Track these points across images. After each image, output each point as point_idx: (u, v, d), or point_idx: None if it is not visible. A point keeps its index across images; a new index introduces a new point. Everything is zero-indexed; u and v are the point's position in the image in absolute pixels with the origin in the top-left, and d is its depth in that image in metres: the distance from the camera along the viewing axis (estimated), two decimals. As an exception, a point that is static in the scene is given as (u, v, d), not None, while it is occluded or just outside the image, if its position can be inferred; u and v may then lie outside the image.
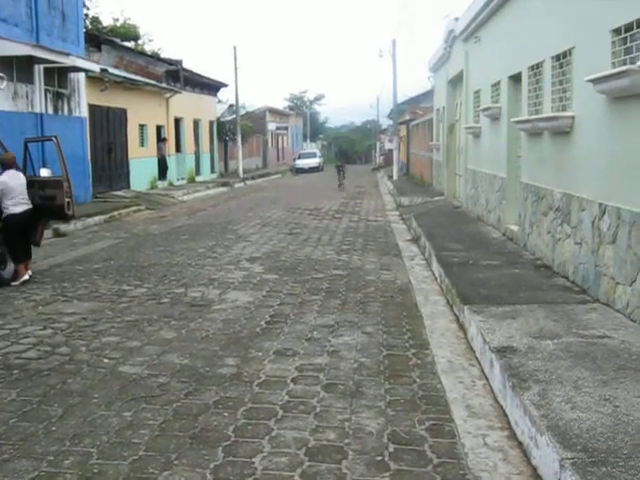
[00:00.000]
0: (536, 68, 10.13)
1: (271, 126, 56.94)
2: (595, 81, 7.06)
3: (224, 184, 33.50)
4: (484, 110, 13.49)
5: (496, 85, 13.06)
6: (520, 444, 4.49)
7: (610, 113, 7.14)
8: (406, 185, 30.42)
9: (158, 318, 7.75)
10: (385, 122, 74.97)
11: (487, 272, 9.20)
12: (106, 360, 6.20)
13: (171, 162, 29.96)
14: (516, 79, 11.51)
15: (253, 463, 4.17)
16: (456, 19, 16.87)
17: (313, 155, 56.94)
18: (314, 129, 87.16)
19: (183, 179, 31.84)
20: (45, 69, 17.53)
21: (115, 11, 63.03)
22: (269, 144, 56.92)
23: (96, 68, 19.72)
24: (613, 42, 6.95)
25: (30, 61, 16.62)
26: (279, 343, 6.75)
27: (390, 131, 41.62)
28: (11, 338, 6.93)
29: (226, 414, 4.94)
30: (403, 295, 9.07)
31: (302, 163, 53.56)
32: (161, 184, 28.66)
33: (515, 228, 11.58)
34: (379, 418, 4.89)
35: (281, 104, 79.11)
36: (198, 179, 33.81)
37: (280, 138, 63.00)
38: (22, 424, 4.76)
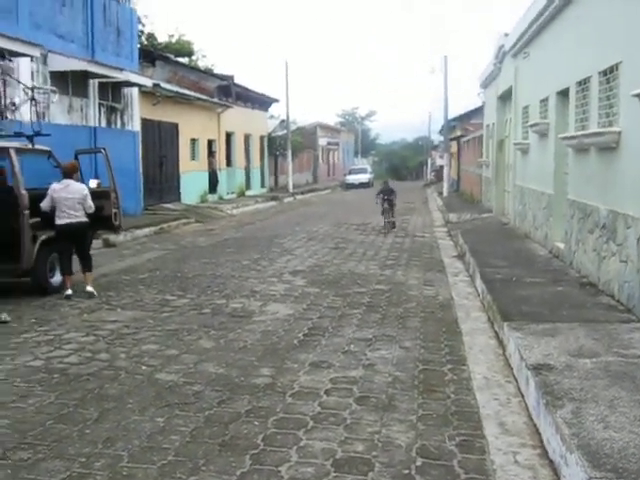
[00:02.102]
0: (583, 83, 9.98)
1: (322, 141, 57.25)
2: (641, 96, 6.93)
3: (273, 198, 33.78)
4: (532, 126, 13.34)
5: (544, 101, 12.91)
6: (551, 462, 4.41)
7: (656, 128, 6.99)
8: (455, 202, 30.17)
9: (198, 328, 7.86)
10: (437, 138, 74.56)
11: (530, 289, 9.06)
12: (144, 367, 6.32)
13: (221, 176, 30.39)
14: (564, 95, 11.36)
15: (279, 472, 4.19)
16: (506, 35, 16.75)
17: (364, 171, 57.01)
18: (365, 145, 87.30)
19: (233, 193, 32.24)
20: (99, 84, 18.05)
21: (170, 28, 64.40)
22: (320, 159, 57.21)
23: (149, 83, 20.20)
24: (660, 56, 6.82)
25: (85, 76, 17.14)
26: (315, 355, 6.77)
27: (441, 147, 41.43)
28: (55, 344, 7.12)
29: (257, 423, 4.98)
30: (444, 311, 9.00)
31: (352, 179, 53.64)
32: (211, 198, 29.07)
33: (561, 245, 11.39)
34: (409, 432, 4.86)
35: (332, 120, 79.63)
36: (248, 193, 34.18)
37: (331, 153, 63.28)
38: (58, 426, 4.90)
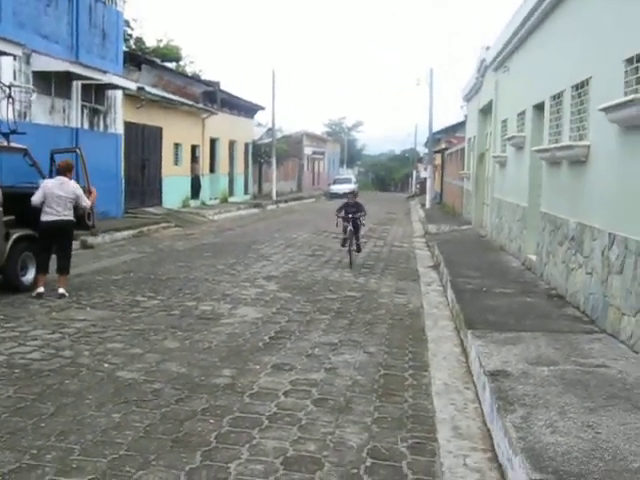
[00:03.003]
0: (557, 98, 10.13)
1: (307, 150, 57.36)
2: (607, 110, 7.06)
3: (256, 205, 33.79)
4: (509, 139, 13.49)
5: (522, 114, 13.06)
6: (500, 466, 4.47)
7: (621, 142, 7.12)
8: (437, 213, 30.34)
9: (165, 328, 7.87)
10: (423, 150, 74.95)
11: (499, 299, 9.16)
12: (106, 365, 6.33)
13: (204, 182, 30.37)
14: (539, 108, 11.51)
15: (228, 468, 4.23)
16: (487, 48, 16.95)
17: (348, 181, 57.10)
18: (351, 155, 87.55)
19: (216, 199, 32.21)
20: (83, 85, 18.02)
21: (159, 32, 64.35)
22: (305, 168, 57.29)
23: (132, 86, 20.20)
24: (626, 71, 6.95)
25: (68, 77, 17.11)
26: (278, 358, 6.81)
27: (426, 159, 41.64)
28: (19, 340, 7.12)
29: (212, 421, 5.01)
30: (412, 319, 9.07)
31: (337, 188, 53.67)
32: (193, 203, 29.03)
33: (534, 257, 11.51)
34: (363, 434, 4.91)
35: (319, 129, 79.75)
36: (231, 200, 34.16)
37: (316, 163, 63.40)
38: (13, 419, 4.90)
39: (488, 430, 5.10)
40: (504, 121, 15.30)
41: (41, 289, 9.54)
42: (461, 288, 9.98)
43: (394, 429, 5.03)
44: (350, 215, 13.83)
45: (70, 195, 9.70)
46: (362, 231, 15.07)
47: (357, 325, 8.47)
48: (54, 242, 9.82)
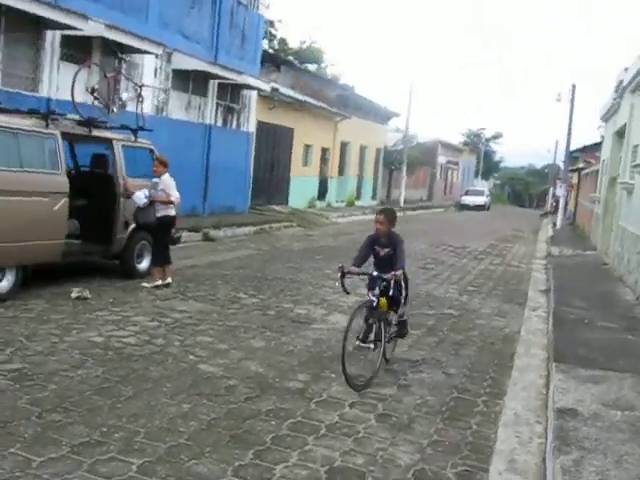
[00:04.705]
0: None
1: (441, 159, 56.89)
2: None
3: (382, 211, 33.92)
4: (636, 166, 12.91)
5: (652, 142, 12.48)
6: (545, 506, 4.43)
7: None
8: (566, 235, 29.26)
9: (256, 327, 8.23)
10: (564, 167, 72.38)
11: (598, 334, 8.85)
12: (191, 356, 6.75)
13: (332, 184, 30.94)
14: (668, 138, 10.97)
15: (274, 470, 4.45)
16: (626, 69, 16.22)
17: (480, 193, 56.25)
18: (488, 167, 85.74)
19: (342, 202, 32.70)
20: (219, 84, 18.95)
21: (304, 34, 66.02)
22: (437, 177, 56.86)
23: (266, 87, 20.95)
24: None
25: (206, 76, 18.04)
26: (356, 369, 6.95)
27: (563, 177, 40.20)
28: (120, 324, 7.71)
29: (273, 423, 5.25)
30: (505, 344, 8.93)
31: (468, 200, 53.01)
32: (319, 204, 29.65)
33: (648, 293, 10.99)
34: (415, 454, 4.99)
35: (457, 139, 78.66)
36: (358, 203, 34.56)
37: (450, 172, 62.73)
38: (95, 397, 5.38)
39: (545, 469, 5.03)
40: (635, 147, 14.63)
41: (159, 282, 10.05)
42: (562, 317, 9.72)
43: (448, 454, 5.06)
44: (376, 272, 6.66)
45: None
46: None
47: (444, 344, 8.47)
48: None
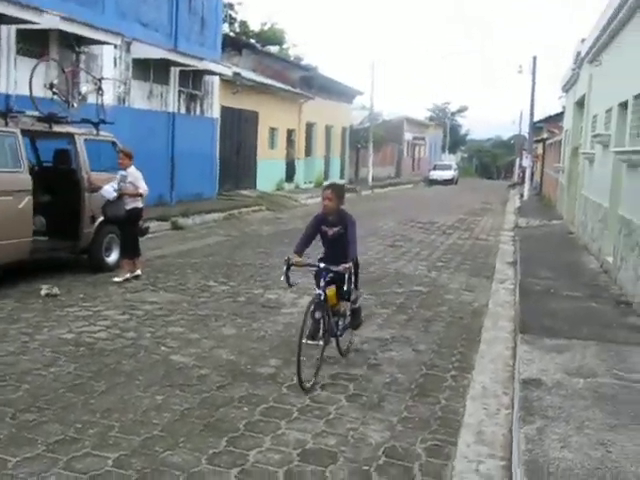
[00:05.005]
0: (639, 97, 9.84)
1: (407, 135, 57.12)
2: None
3: (350, 190, 33.99)
4: (595, 136, 13.15)
5: (609, 111, 12.70)
6: (511, 475, 4.59)
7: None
8: (533, 205, 29.67)
9: (227, 315, 8.32)
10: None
11: (563, 303, 9.06)
12: (163, 348, 6.82)
13: (299, 166, 30.95)
14: (624, 107, 11.18)
15: (248, 456, 4.55)
16: (583, 40, 16.45)
17: (448, 167, 56.68)
18: (454, 141, 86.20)
19: (311, 183, 32.75)
20: (180, 72, 18.82)
21: (263, 15, 65.54)
22: (404, 153, 57.10)
23: (228, 72, 20.86)
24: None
25: (167, 64, 17.91)
26: (326, 351, 7.06)
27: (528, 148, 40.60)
28: (91, 319, 7.75)
29: (245, 409, 5.36)
30: (473, 318, 9.11)
31: (436, 175, 53.41)
32: (288, 186, 29.66)
33: (610, 260, 11.25)
34: (385, 432, 5.12)
35: (422, 114, 78.93)
36: (326, 184, 34.60)
37: (417, 148, 63.02)
38: (68, 394, 5.44)
39: (512, 438, 5.20)
40: (594, 117, 14.88)
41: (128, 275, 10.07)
42: (528, 288, 9.92)
43: (417, 429, 5.21)
44: (323, 261, 6.23)
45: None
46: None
47: (414, 322, 8.63)
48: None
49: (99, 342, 6.89)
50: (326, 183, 8.16)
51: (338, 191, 6.34)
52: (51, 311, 8.06)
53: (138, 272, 10.10)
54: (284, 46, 41.80)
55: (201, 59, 18.71)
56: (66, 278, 9.94)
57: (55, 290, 8.86)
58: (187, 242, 14.53)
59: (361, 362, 6.79)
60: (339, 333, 6.51)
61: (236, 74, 22.05)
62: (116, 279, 9.83)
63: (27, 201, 8.95)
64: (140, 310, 8.28)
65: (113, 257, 10.67)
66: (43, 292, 8.78)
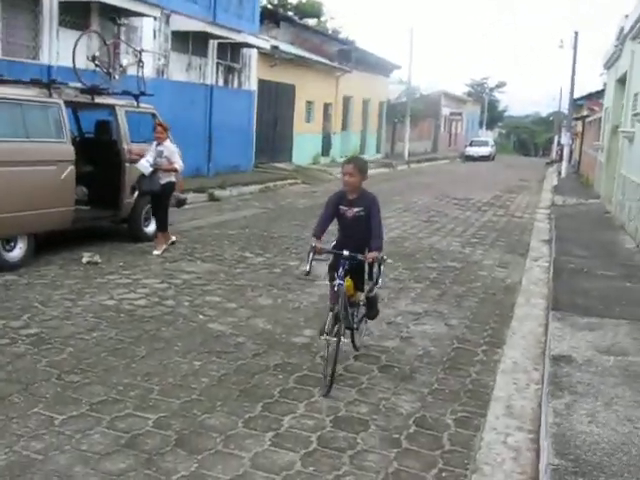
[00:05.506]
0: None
1: (445, 110, 56.59)
2: None
3: (386, 165, 33.99)
4: (636, 115, 12.96)
5: (652, 90, 12.51)
6: (538, 448, 4.68)
7: None
8: (571, 184, 29.33)
9: (263, 286, 8.48)
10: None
11: (597, 282, 9.05)
12: (201, 316, 7.01)
13: (336, 139, 30.94)
14: (667, 86, 11.01)
15: (282, 420, 4.72)
16: (626, 16, 16.12)
17: (485, 144, 55.97)
18: (492, 117, 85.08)
19: (347, 157, 32.72)
20: (219, 44, 18.90)
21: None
22: (441, 129, 56.62)
23: (266, 45, 20.90)
24: None
25: (205, 36, 18.00)
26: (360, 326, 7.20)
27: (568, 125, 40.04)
28: (131, 287, 7.98)
29: (280, 377, 5.52)
30: (506, 294, 9.15)
31: (472, 151, 52.81)
32: (324, 160, 29.70)
33: (647, 241, 11.17)
34: (416, 402, 5.25)
35: (461, 89, 78.07)
36: (346, 158, 34.57)
37: (454, 123, 62.43)
38: (110, 358, 5.65)
39: (540, 412, 5.28)
40: (636, 94, 14.64)
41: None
42: (562, 267, 9.92)
43: (448, 401, 5.32)
44: (337, 248, 5.65)
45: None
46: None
47: (447, 296, 8.70)
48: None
49: (139, 309, 7.11)
50: (346, 157, 7.17)
51: (361, 166, 5.68)
52: (92, 278, 8.32)
53: (173, 238, 10.34)
54: (322, 19, 41.58)
55: (239, 32, 18.78)
56: (107, 247, 10.21)
57: (96, 258, 9.12)
58: (224, 214, 14.73)
59: (394, 334, 6.91)
60: (355, 326, 5.95)
61: (274, 47, 22.07)
62: (155, 252, 9.98)
63: (70, 171, 9.16)
64: (178, 279, 8.49)
65: (152, 227, 10.89)
66: (85, 260, 9.04)
